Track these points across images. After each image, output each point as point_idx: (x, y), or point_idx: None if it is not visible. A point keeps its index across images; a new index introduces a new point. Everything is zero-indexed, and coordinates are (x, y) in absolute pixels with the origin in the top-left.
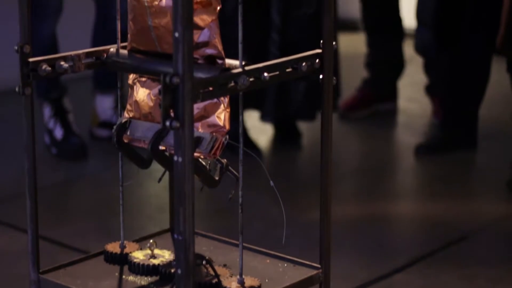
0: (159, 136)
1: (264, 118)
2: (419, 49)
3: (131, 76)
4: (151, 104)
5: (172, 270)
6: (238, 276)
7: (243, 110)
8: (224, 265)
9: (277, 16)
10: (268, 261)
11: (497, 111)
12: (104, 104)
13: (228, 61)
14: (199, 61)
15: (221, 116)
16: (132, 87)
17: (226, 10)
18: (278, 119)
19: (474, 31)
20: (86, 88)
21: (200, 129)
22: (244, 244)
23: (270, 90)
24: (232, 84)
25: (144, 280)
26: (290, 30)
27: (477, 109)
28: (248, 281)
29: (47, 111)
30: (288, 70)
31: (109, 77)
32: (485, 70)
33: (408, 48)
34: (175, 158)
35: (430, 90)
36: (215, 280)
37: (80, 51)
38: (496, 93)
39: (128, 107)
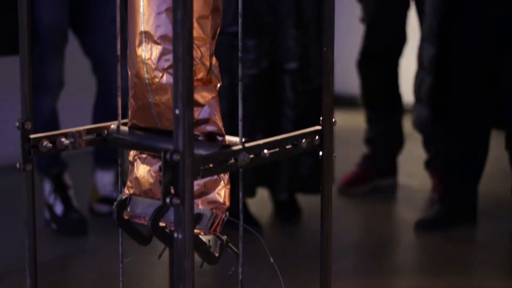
0: (159, 213)
1: (275, 194)
2: (418, 125)
3: (132, 153)
4: (152, 180)
5: None
6: None
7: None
8: None
9: (290, 92)
10: None
11: (496, 187)
12: (104, 179)
13: (228, 138)
14: (200, 138)
15: (221, 193)
16: (132, 163)
17: (237, 89)
18: (287, 195)
19: (472, 107)
20: (86, 163)
21: (200, 205)
22: None
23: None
24: (232, 160)
25: None
26: (302, 106)
27: (477, 184)
28: None
29: (47, 186)
30: (288, 146)
31: (109, 153)
32: (484, 146)
33: (408, 124)
34: (175, 234)
35: (429, 165)
36: None
37: (81, 128)
38: (495, 169)
39: (129, 183)
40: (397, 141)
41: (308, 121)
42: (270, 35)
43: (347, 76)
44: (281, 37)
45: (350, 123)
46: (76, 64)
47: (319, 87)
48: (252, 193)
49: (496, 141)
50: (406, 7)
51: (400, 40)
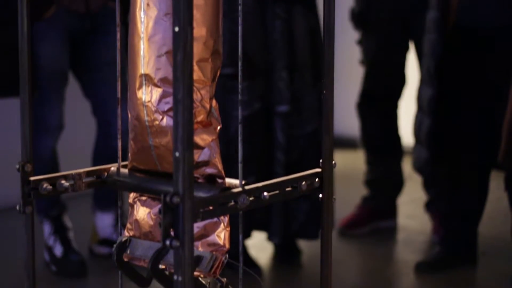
0: (159, 255)
1: (271, 238)
2: (417, 166)
3: (132, 195)
4: (151, 223)
5: None
6: None
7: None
8: None
9: (281, 135)
10: None
11: (496, 228)
12: (104, 221)
13: (228, 180)
14: (199, 180)
15: (221, 235)
16: (132, 205)
17: (230, 131)
18: (283, 239)
19: (471, 148)
20: (86, 205)
21: (200, 248)
22: None
23: (275, 209)
24: (232, 203)
25: None
26: (294, 149)
27: (477, 226)
28: None
29: (47, 228)
30: (288, 189)
31: (109, 195)
32: (484, 187)
33: (407, 165)
34: (175, 277)
35: (429, 207)
36: None
37: (81, 170)
38: (495, 210)
39: (128, 225)
40: (397, 183)
41: (299, 165)
42: (262, 77)
43: (346, 118)
44: (273, 80)
45: (349, 165)
46: (76, 105)
47: (312, 132)
48: (247, 235)
49: (496, 182)
50: (406, 49)
51: (400, 82)
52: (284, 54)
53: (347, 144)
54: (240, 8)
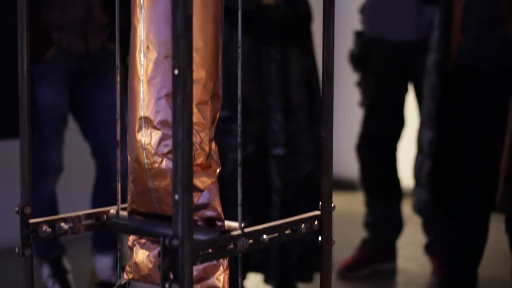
0: None
1: (267, 281)
2: (417, 208)
3: (131, 238)
4: (151, 265)
5: None
6: None
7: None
8: None
9: (277, 178)
10: None
11: (496, 270)
12: (103, 263)
13: (228, 223)
14: (199, 223)
15: (221, 278)
16: (131, 248)
17: (225, 173)
18: (280, 282)
19: (471, 190)
20: (85, 247)
21: None
22: None
23: (271, 251)
24: (232, 246)
25: None
26: (290, 192)
27: (477, 268)
28: None
29: (46, 270)
30: (287, 232)
31: (108, 237)
32: (483, 230)
33: (407, 208)
34: None
35: (429, 249)
36: None
37: (80, 213)
38: (495, 253)
39: (128, 268)
40: (397, 225)
41: (295, 207)
42: (257, 120)
43: (346, 160)
44: (268, 122)
45: (349, 207)
46: (75, 148)
47: (307, 174)
48: (243, 277)
49: (496, 225)
50: (405, 91)
51: (399, 124)
52: (279, 96)
53: (346, 186)
54: (239, 50)
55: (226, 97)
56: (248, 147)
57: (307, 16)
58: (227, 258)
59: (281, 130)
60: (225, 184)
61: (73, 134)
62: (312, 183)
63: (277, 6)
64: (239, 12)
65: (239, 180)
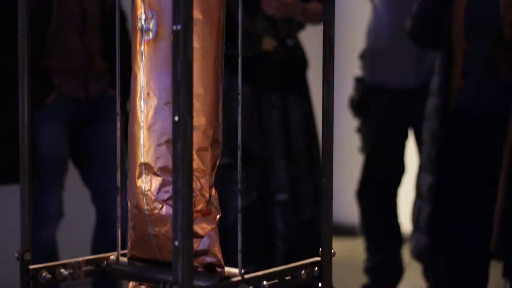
0: None
1: None
2: (416, 254)
3: (131, 284)
4: None
5: None
6: None
7: None
8: None
9: (281, 223)
10: None
11: None
12: None
13: (228, 269)
14: (199, 269)
15: None
16: None
17: (229, 221)
18: None
19: (471, 235)
20: None
21: None
22: None
23: None
24: None
25: None
26: (294, 237)
27: None
28: None
29: None
30: (287, 278)
31: (108, 284)
32: (483, 275)
33: (407, 253)
34: None
35: None
36: None
37: (80, 259)
38: None
39: None
40: (397, 271)
41: (300, 252)
42: (259, 166)
43: (346, 205)
44: (271, 168)
45: (349, 252)
46: (75, 193)
47: (310, 219)
48: None
49: (496, 270)
50: (405, 137)
51: (399, 170)
52: (281, 142)
53: (346, 231)
54: (239, 97)
55: (227, 144)
56: (251, 194)
57: (303, 62)
58: None
59: (284, 176)
60: (228, 231)
61: (73, 180)
62: (315, 227)
63: (276, 53)
64: (239, 59)
65: (239, 227)
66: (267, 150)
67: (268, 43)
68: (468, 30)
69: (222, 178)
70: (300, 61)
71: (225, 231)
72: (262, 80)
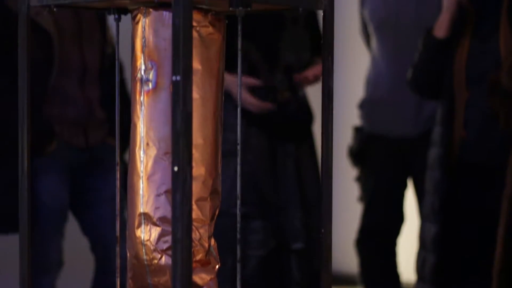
0: None
1: None
2: None
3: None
4: None
5: None
6: None
7: None
8: None
9: (298, 272)
10: None
11: None
12: None
13: None
14: None
15: None
16: None
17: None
18: None
19: (476, 286)
20: None
21: None
22: None
23: None
24: None
25: None
26: (310, 286)
27: None
28: None
29: None
30: None
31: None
32: None
33: None
34: None
35: None
36: None
37: None
38: None
39: None
40: None
41: None
42: (276, 215)
43: (345, 255)
44: (287, 218)
45: None
46: (75, 242)
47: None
48: None
49: None
50: (404, 187)
51: (399, 219)
52: (296, 191)
53: (346, 281)
54: (238, 147)
55: (243, 194)
56: (269, 243)
57: (310, 111)
58: None
59: (300, 225)
60: (247, 281)
61: (72, 229)
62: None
63: (290, 104)
64: (239, 99)
65: (238, 278)
66: (283, 200)
67: (283, 95)
68: (469, 80)
69: (240, 229)
70: (310, 111)
71: (243, 281)
72: (277, 130)
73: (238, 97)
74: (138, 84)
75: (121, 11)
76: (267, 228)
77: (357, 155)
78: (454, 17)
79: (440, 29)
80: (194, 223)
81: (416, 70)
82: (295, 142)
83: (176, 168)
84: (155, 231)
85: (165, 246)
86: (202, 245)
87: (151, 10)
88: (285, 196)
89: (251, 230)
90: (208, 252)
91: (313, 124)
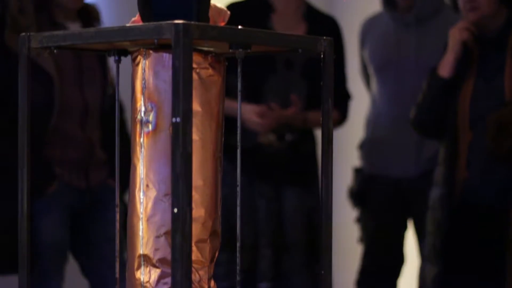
0: None
1: None
2: None
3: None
4: None
5: None
6: None
7: None
8: None
9: None
10: None
11: None
12: None
13: None
14: None
15: None
16: None
17: None
18: None
19: None
20: None
21: None
22: None
23: None
24: None
25: None
26: None
27: None
28: None
29: None
30: None
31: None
32: None
33: None
34: None
35: None
36: None
37: None
38: None
39: None
40: None
41: None
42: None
43: None
44: (258, 257)
45: None
46: (75, 284)
47: None
48: None
49: None
50: (404, 228)
51: (398, 261)
52: (270, 231)
53: None
54: (238, 151)
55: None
56: (232, 278)
57: (306, 156)
58: None
59: (269, 265)
60: None
61: (72, 270)
62: None
63: (273, 147)
64: (238, 151)
65: (238, 224)
66: (254, 237)
67: (265, 138)
68: (473, 121)
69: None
70: (302, 156)
71: None
72: (256, 170)
73: (238, 137)
74: (138, 126)
75: (121, 52)
76: (232, 262)
77: (357, 196)
78: (458, 57)
79: (445, 69)
80: (194, 265)
81: (420, 109)
82: (274, 184)
83: (176, 210)
84: (155, 273)
85: (164, 287)
86: (202, 287)
87: (151, 51)
88: (257, 234)
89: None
90: None
91: (308, 166)
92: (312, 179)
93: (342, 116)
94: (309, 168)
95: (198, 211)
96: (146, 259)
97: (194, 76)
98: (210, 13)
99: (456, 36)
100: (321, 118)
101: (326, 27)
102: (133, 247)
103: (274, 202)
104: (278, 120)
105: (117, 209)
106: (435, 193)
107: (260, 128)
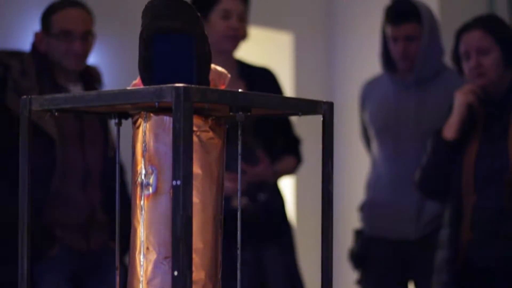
0: None
1: None
2: None
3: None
4: None
5: None
6: None
7: None
8: None
9: None
10: None
11: None
12: None
13: None
14: None
15: None
16: None
17: None
18: None
19: None
20: None
21: None
22: None
23: None
24: None
25: None
26: None
27: None
28: None
29: None
30: None
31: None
32: None
33: None
34: None
35: None
36: None
37: None
38: None
39: None
40: None
41: None
42: None
43: None
44: None
45: None
46: None
47: None
48: None
49: None
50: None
51: None
52: None
53: None
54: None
55: None
56: None
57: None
58: None
59: None
60: None
61: None
62: None
63: (246, 210)
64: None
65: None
66: None
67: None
68: (477, 182)
69: None
70: (275, 215)
71: None
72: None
73: (238, 206)
74: (139, 189)
75: (122, 115)
76: None
77: (357, 258)
78: (464, 119)
79: (450, 131)
80: None
81: (424, 171)
82: (252, 248)
83: (176, 273)
84: None
85: None
86: None
87: (151, 114)
88: None
89: None
90: None
91: (283, 225)
92: (289, 237)
93: (298, 160)
94: (283, 226)
95: (198, 274)
96: None
97: (195, 139)
98: (211, 76)
99: (462, 98)
100: (288, 168)
101: (263, 78)
102: None
103: (256, 267)
104: (249, 181)
105: (117, 272)
106: (440, 255)
107: (232, 192)
